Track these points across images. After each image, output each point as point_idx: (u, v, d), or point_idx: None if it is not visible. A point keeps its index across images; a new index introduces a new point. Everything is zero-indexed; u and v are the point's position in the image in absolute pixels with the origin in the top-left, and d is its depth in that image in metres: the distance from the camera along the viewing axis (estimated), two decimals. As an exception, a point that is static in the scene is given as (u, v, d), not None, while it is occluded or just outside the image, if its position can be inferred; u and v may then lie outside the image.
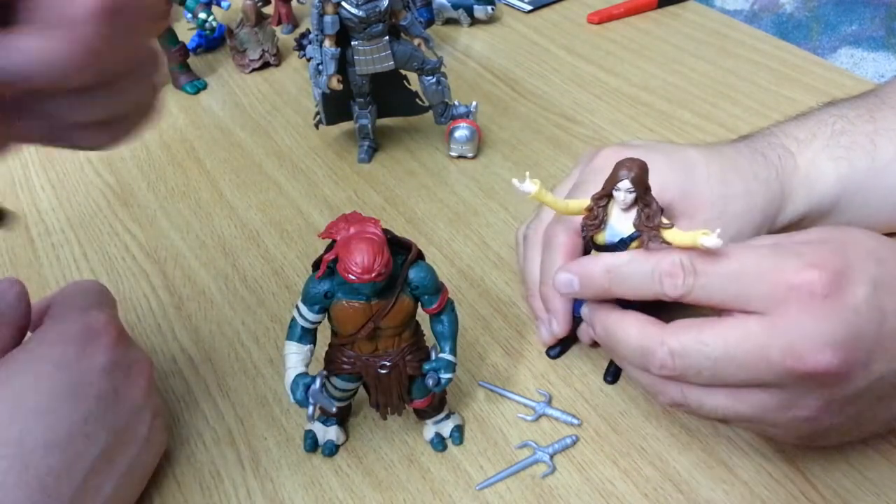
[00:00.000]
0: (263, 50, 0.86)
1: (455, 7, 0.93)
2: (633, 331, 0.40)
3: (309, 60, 0.67)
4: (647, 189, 0.42)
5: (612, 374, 0.50)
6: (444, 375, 0.42)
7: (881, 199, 0.55)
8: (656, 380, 0.40)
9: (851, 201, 0.54)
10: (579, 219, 0.49)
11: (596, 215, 0.43)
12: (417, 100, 0.71)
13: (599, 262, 0.42)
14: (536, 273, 0.52)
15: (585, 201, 0.44)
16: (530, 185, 0.43)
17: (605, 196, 0.43)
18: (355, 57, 0.65)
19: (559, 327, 0.50)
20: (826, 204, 0.54)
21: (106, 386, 0.40)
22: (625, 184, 0.41)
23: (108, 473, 0.40)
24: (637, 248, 0.43)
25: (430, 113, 0.71)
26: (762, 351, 0.36)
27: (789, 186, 0.53)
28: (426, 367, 0.42)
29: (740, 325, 0.37)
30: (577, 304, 0.49)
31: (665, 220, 0.42)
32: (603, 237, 0.44)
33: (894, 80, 0.60)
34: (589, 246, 0.45)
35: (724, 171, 0.51)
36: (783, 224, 0.54)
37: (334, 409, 0.43)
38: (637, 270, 0.40)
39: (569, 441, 0.46)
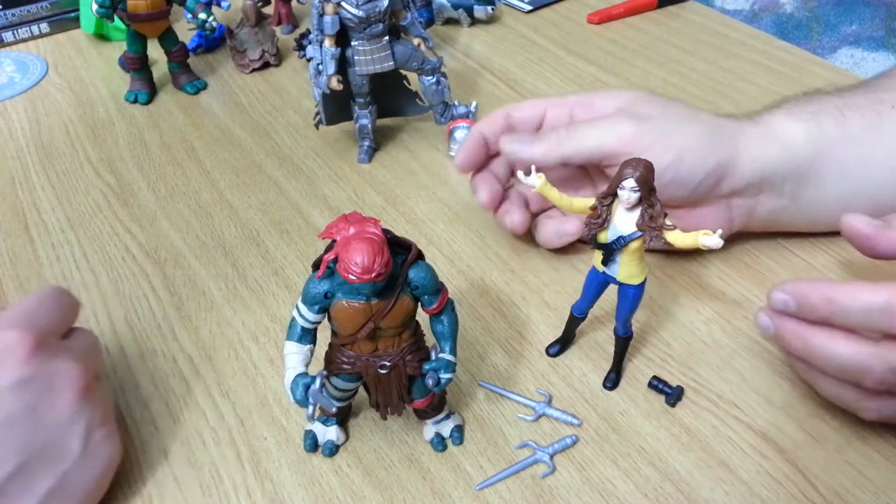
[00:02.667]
0: (263, 50, 0.86)
1: (455, 7, 0.93)
2: (845, 349, 0.41)
3: (309, 60, 0.67)
4: (652, 190, 0.42)
5: (612, 380, 0.49)
6: (444, 375, 0.42)
7: (859, 170, 0.55)
8: (862, 397, 0.41)
9: (829, 168, 0.54)
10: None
11: (600, 214, 0.43)
12: (417, 100, 0.71)
13: (821, 291, 0.41)
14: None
15: (590, 200, 0.44)
16: (535, 179, 0.43)
17: (610, 195, 0.43)
18: (355, 57, 0.65)
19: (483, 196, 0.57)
20: (802, 164, 0.54)
21: (16, 404, 0.39)
22: (629, 182, 0.41)
23: (25, 495, 0.38)
24: (637, 248, 0.43)
25: (430, 113, 0.71)
26: None
27: (743, 135, 0.54)
28: (426, 367, 0.42)
29: None
30: (576, 304, 0.49)
31: (668, 222, 0.42)
32: (605, 236, 0.44)
33: (875, 76, 0.61)
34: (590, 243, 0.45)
35: (666, 115, 0.54)
36: (753, 178, 0.54)
37: (334, 409, 0.43)
38: (866, 306, 0.40)
39: (569, 441, 0.46)
